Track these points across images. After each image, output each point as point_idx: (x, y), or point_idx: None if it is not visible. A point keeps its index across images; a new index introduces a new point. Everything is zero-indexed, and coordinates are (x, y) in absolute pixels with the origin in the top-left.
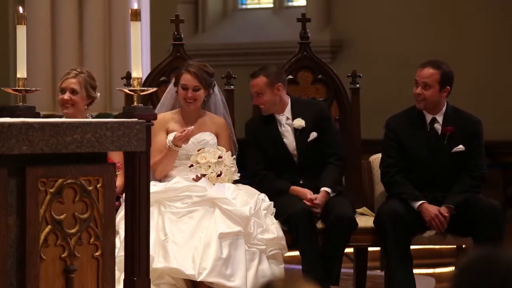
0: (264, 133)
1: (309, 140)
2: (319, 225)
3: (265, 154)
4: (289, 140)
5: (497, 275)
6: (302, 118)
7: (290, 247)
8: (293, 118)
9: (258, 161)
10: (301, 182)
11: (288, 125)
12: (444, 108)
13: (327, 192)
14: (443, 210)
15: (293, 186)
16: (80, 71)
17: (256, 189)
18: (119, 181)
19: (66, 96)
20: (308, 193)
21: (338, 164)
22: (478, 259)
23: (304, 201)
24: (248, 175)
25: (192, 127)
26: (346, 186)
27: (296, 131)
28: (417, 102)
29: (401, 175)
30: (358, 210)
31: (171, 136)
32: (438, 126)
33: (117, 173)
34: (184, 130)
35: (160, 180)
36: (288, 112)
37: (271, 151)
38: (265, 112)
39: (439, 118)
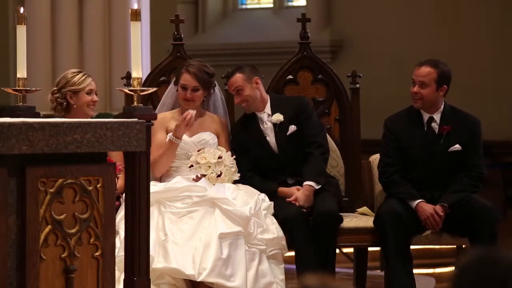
0: (248, 134)
1: (288, 133)
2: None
3: (252, 156)
4: (271, 137)
5: (497, 276)
6: (281, 113)
7: (290, 247)
8: (273, 114)
9: (244, 163)
10: (289, 182)
11: (269, 122)
12: (442, 107)
13: (310, 186)
14: (438, 209)
15: (281, 188)
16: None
17: None
18: (120, 182)
19: (96, 97)
20: (294, 191)
21: (319, 152)
22: (478, 259)
23: (286, 200)
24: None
25: (194, 111)
26: (346, 186)
27: (275, 126)
28: (414, 101)
29: (399, 175)
30: (359, 210)
31: (170, 135)
32: (435, 126)
33: (118, 175)
34: (183, 116)
35: (160, 180)
36: (268, 109)
37: (256, 151)
38: (248, 110)
39: (437, 117)
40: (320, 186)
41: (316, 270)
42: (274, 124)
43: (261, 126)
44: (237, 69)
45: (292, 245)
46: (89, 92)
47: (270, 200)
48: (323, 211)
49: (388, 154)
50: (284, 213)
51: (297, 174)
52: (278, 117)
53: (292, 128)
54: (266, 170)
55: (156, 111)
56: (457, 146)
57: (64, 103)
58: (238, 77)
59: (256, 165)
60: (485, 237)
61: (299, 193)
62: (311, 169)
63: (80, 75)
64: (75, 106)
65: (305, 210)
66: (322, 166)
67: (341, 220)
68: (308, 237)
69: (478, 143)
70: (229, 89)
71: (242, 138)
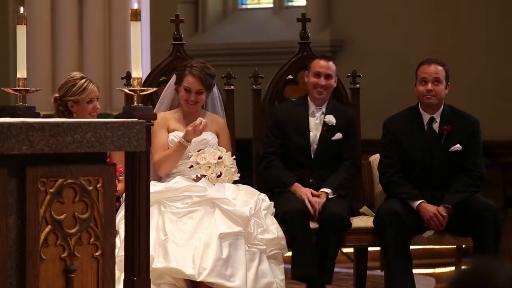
0: (293, 119)
1: (333, 138)
2: (314, 224)
3: (285, 141)
4: (314, 133)
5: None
6: (335, 117)
7: (290, 247)
8: (326, 114)
9: (273, 145)
10: (310, 180)
11: (320, 119)
12: (442, 107)
13: (326, 193)
14: (441, 209)
15: (297, 183)
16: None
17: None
18: (120, 185)
19: (98, 105)
20: (309, 193)
21: (351, 170)
22: (475, 271)
23: (305, 200)
24: (260, 156)
25: (207, 120)
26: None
27: (324, 126)
28: (427, 99)
29: (399, 176)
30: (359, 210)
31: (172, 135)
32: (436, 126)
33: (119, 177)
34: (197, 123)
35: (160, 180)
36: (324, 107)
37: (293, 137)
38: (321, 101)
39: (437, 117)
40: (334, 196)
41: (313, 265)
42: (324, 123)
43: (310, 118)
44: (330, 57)
45: (292, 239)
46: (90, 101)
47: (278, 195)
48: (332, 213)
49: (388, 155)
50: (284, 208)
51: (321, 179)
52: (331, 119)
53: (339, 135)
54: (293, 163)
55: (154, 110)
56: (457, 146)
57: (66, 112)
58: (334, 66)
59: (286, 153)
60: (489, 237)
61: (318, 203)
62: (335, 180)
63: (81, 82)
64: (75, 114)
65: (315, 219)
66: (347, 182)
67: (349, 224)
68: (307, 233)
69: (478, 142)
70: (317, 69)
71: (284, 120)
